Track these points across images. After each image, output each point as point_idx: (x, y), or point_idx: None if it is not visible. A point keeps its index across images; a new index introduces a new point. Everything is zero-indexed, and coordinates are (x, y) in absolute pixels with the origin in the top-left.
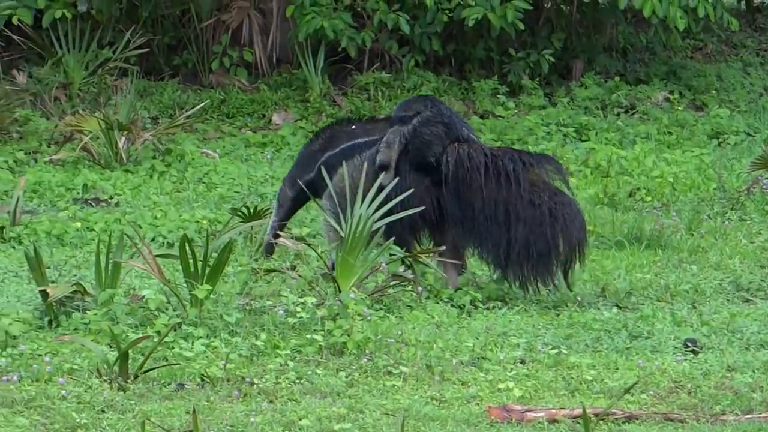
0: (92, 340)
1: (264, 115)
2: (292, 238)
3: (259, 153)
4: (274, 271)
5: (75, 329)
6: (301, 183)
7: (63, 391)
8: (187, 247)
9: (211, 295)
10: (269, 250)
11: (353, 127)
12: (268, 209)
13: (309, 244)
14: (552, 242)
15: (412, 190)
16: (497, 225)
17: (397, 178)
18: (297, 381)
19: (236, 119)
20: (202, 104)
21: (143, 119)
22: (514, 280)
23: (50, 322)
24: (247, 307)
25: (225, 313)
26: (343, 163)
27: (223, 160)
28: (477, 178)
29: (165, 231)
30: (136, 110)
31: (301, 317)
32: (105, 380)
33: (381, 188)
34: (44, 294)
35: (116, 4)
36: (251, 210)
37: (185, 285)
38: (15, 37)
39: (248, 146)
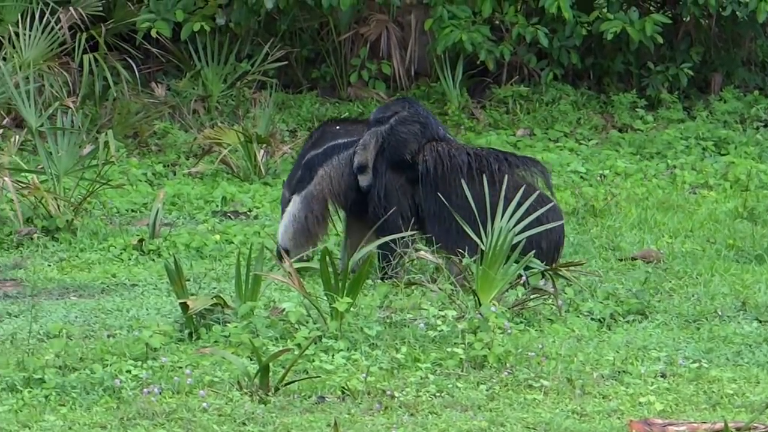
0: (233, 353)
1: None
2: (432, 251)
3: None
4: (414, 284)
5: (215, 342)
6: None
7: (204, 404)
8: (328, 260)
9: (352, 308)
10: (281, 255)
11: (338, 127)
12: None
13: (449, 257)
14: (536, 243)
15: (553, 204)
16: (477, 223)
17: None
18: (438, 394)
19: None
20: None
21: (282, 132)
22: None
23: (190, 334)
24: (388, 320)
25: (365, 326)
26: (323, 164)
27: None
28: (457, 176)
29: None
30: (275, 123)
31: (442, 330)
32: (246, 393)
33: (520, 203)
34: (184, 306)
35: (254, 17)
36: None
37: (325, 298)
38: (153, 49)
39: None
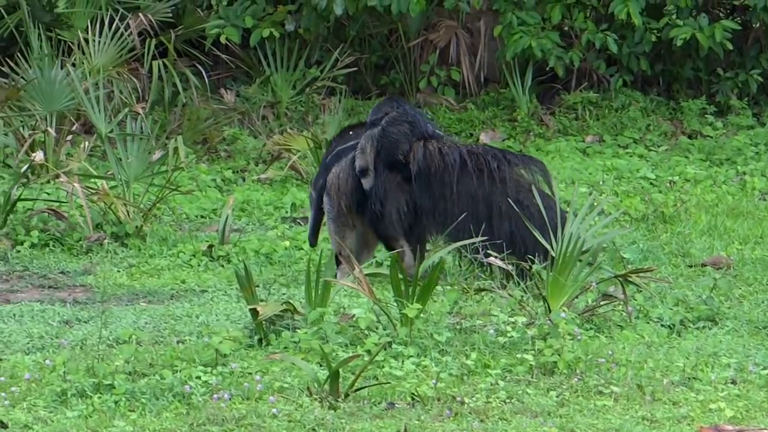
0: (302, 359)
1: (472, 134)
2: (502, 258)
3: None
4: (484, 290)
5: (285, 348)
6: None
7: (274, 410)
8: (398, 266)
9: (422, 314)
10: (313, 242)
11: (350, 132)
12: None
13: (519, 264)
14: (541, 241)
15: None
16: (476, 219)
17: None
18: (508, 400)
19: None
20: None
21: None
22: (497, 270)
23: (260, 340)
24: (458, 327)
25: (435, 332)
26: (334, 164)
27: None
28: (450, 172)
29: (374, 250)
30: None
31: (512, 336)
32: (315, 399)
33: (591, 206)
34: (254, 312)
35: (324, 23)
36: None
37: (395, 304)
38: (223, 55)
39: None
